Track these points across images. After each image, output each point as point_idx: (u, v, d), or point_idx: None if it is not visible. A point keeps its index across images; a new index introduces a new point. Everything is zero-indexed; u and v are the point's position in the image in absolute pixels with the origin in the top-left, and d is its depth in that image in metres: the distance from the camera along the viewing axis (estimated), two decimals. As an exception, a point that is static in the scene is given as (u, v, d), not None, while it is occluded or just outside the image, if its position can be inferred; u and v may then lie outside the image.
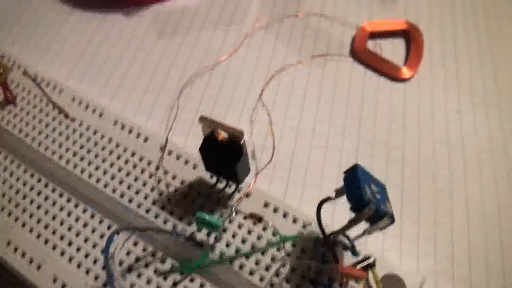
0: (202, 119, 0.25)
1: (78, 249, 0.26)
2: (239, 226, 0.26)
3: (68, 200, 0.28)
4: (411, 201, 0.30)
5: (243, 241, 0.26)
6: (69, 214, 0.28)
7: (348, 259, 0.25)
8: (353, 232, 0.24)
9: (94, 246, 0.26)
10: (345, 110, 0.34)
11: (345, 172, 0.24)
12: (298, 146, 0.32)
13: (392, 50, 0.38)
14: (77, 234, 0.27)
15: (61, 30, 0.39)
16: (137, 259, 0.26)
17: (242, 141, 0.24)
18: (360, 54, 0.37)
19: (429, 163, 0.32)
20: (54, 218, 0.27)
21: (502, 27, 0.39)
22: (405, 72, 0.36)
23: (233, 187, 0.28)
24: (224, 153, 0.25)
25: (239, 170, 0.26)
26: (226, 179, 0.27)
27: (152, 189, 0.28)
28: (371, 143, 0.32)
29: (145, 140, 0.30)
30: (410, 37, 0.38)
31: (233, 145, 0.25)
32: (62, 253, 0.26)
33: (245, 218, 0.27)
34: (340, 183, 0.23)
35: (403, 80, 0.36)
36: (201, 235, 0.26)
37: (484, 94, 0.35)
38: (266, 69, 0.36)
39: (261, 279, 0.25)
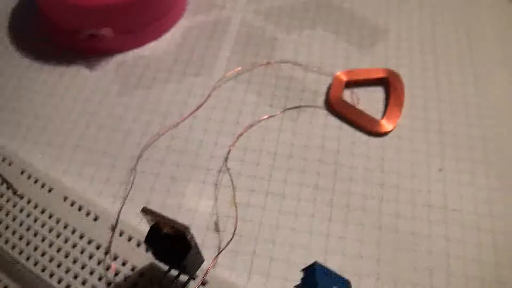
0: (145, 211, 0.22)
1: None
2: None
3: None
4: (388, 275, 0.27)
5: None
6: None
7: None
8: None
9: None
10: (317, 169, 0.32)
11: (303, 270, 0.21)
12: (266, 214, 0.30)
13: (370, 100, 0.35)
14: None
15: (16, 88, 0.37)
16: None
17: (188, 237, 0.22)
18: (335, 106, 0.34)
19: (408, 228, 0.29)
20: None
21: (490, 72, 0.36)
22: (384, 125, 0.33)
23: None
24: (171, 247, 0.23)
25: (188, 264, 0.23)
26: (177, 270, 0.24)
27: (100, 278, 0.26)
28: (346, 207, 0.30)
29: (95, 219, 0.28)
30: (389, 85, 0.35)
31: (180, 238, 0.22)
32: None
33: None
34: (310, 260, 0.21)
35: (381, 134, 0.33)
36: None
37: (470, 147, 0.32)
38: (234, 124, 0.34)
39: None
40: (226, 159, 0.32)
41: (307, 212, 0.30)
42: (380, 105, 0.35)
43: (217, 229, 0.29)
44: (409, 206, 0.30)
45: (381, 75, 0.36)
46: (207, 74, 0.37)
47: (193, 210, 0.30)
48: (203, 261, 0.25)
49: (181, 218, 0.28)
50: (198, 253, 0.24)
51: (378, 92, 0.35)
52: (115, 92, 0.36)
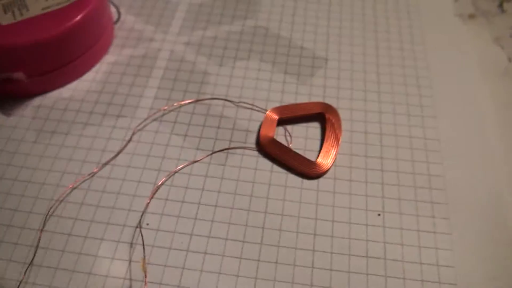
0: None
1: None
2: None
3: None
4: None
5: None
6: None
7: None
8: None
9: None
10: (245, 219, 0.29)
11: None
12: (186, 276, 0.27)
13: (305, 139, 0.32)
14: None
15: None
16: None
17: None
18: (266, 147, 0.31)
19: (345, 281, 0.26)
20: None
21: (437, 109, 0.34)
22: (319, 166, 0.30)
23: None
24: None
25: None
26: None
27: None
28: (275, 262, 0.27)
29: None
30: (326, 121, 0.32)
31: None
32: None
33: None
34: None
35: (316, 176, 0.30)
36: None
37: (414, 187, 0.30)
38: (156, 172, 0.31)
39: None
40: (143, 213, 0.29)
41: (232, 270, 0.27)
42: (316, 144, 0.32)
43: (131, 294, 0.26)
44: (345, 258, 0.27)
45: (317, 110, 0.33)
46: (130, 115, 0.34)
47: (104, 276, 0.27)
48: None
49: (90, 284, 0.25)
50: None
51: (314, 129, 0.33)
52: (31, 140, 0.33)
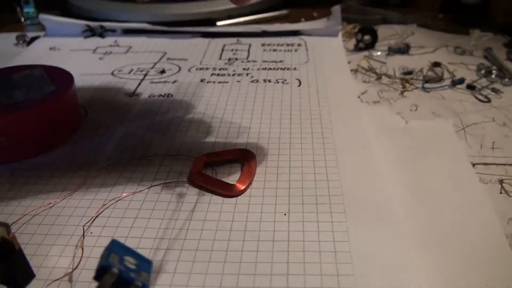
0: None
1: None
2: None
3: None
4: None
5: None
6: None
7: None
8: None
9: None
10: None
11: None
12: None
13: (227, 173, 0.40)
14: None
15: None
16: None
17: (10, 236, 0.24)
18: (195, 178, 0.38)
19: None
20: None
21: (341, 142, 0.43)
22: (237, 187, 0.37)
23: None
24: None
25: (14, 271, 0.24)
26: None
27: None
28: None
29: None
30: (244, 161, 0.40)
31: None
32: None
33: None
34: None
35: (235, 195, 0.37)
36: None
37: (315, 195, 0.36)
38: (101, 201, 0.37)
39: None
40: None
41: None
42: (236, 176, 0.39)
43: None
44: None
45: (237, 154, 0.41)
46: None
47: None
48: (33, 276, 0.26)
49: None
50: (24, 262, 0.25)
51: (235, 168, 0.40)
52: None
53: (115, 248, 0.22)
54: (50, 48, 0.67)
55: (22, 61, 0.60)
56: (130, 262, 0.22)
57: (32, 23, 0.83)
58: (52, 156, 0.43)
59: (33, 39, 0.72)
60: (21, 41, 0.71)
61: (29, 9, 0.86)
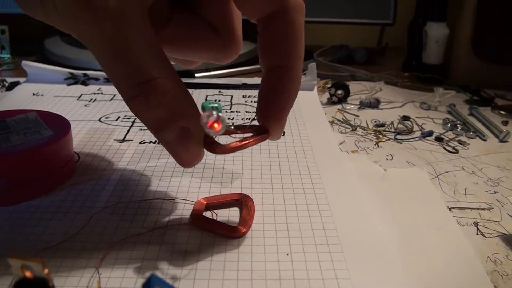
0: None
1: None
2: None
3: None
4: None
5: None
6: None
7: None
8: None
9: None
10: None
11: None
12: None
13: (227, 216, 0.41)
14: None
15: None
16: None
17: (46, 272, 0.25)
18: (197, 221, 0.40)
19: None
20: None
21: (329, 183, 0.46)
22: (240, 229, 0.39)
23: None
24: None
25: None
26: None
27: None
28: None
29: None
30: (242, 203, 0.42)
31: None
32: None
33: None
34: None
35: (237, 236, 0.39)
36: None
37: (313, 236, 0.39)
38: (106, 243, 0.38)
39: None
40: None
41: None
42: (236, 218, 0.41)
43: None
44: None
45: (235, 197, 0.43)
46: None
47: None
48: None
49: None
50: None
51: (233, 211, 0.42)
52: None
53: (157, 281, 0.23)
54: (34, 94, 0.68)
55: (6, 106, 0.61)
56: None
57: (7, 68, 0.84)
58: (49, 199, 0.43)
59: (14, 84, 0.72)
60: (0, 86, 0.71)
61: (5, 55, 0.87)
